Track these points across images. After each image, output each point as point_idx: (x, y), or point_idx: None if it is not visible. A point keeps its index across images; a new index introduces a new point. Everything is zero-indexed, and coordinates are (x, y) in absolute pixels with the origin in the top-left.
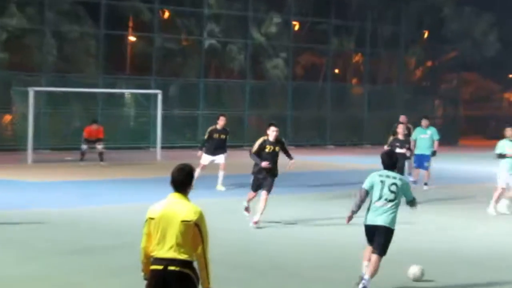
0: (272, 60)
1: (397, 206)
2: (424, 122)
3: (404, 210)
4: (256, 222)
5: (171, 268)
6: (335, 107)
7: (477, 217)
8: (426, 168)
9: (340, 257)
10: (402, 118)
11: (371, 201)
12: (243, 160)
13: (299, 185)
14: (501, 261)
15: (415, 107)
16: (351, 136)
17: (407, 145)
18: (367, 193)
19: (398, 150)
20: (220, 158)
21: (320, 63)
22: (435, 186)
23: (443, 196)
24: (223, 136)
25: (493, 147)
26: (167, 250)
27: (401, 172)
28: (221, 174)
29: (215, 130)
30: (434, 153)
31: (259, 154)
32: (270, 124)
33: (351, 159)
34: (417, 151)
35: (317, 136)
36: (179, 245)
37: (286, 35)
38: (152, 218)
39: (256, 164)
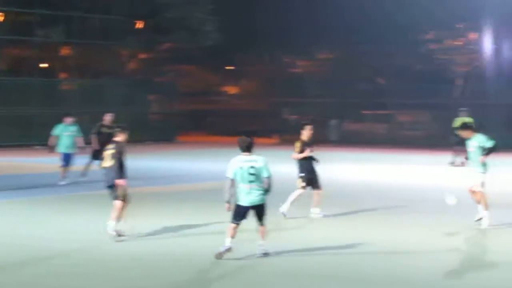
0: None
1: (261, 183)
2: (68, 119)
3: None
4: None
5: None
6: (43, 104)
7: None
8: (66, 165)
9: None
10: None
11: (238, 184)
12: None
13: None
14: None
15: (129, 102)
16: None
17: (312, 148)
18: (233, 180)
19: (309, 154)
20: None
21: (26, 56)
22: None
23: (165, 197)
24: None
25: (213, 142)
26: None
27: (313, 178)
28: None
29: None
30: (83, 149)
31: None
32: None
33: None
34: (62, 149)
35: (23, 136)
36: None
37: None
38: None
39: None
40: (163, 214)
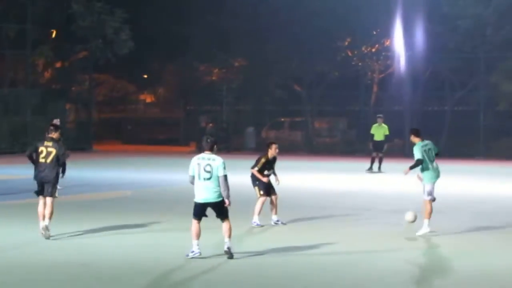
0: None
1: (216, 180)
2: None
3: None
4: None
5: None
6: None
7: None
8: None
9: None
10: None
11: (195, 181)
12: None
13: None
14: None
15: (45, 111)
16: None
17: (272, 170)
18: (193, 177)
19: (268, 174)
20: None
21: None
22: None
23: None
24: None
25: (129, 151)
26: None
27: (268, 186)
28: None
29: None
30: None
31: None
32: None
33: None
34: None
35: None
36: None
37: None
38: None
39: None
40: (81, 222)
